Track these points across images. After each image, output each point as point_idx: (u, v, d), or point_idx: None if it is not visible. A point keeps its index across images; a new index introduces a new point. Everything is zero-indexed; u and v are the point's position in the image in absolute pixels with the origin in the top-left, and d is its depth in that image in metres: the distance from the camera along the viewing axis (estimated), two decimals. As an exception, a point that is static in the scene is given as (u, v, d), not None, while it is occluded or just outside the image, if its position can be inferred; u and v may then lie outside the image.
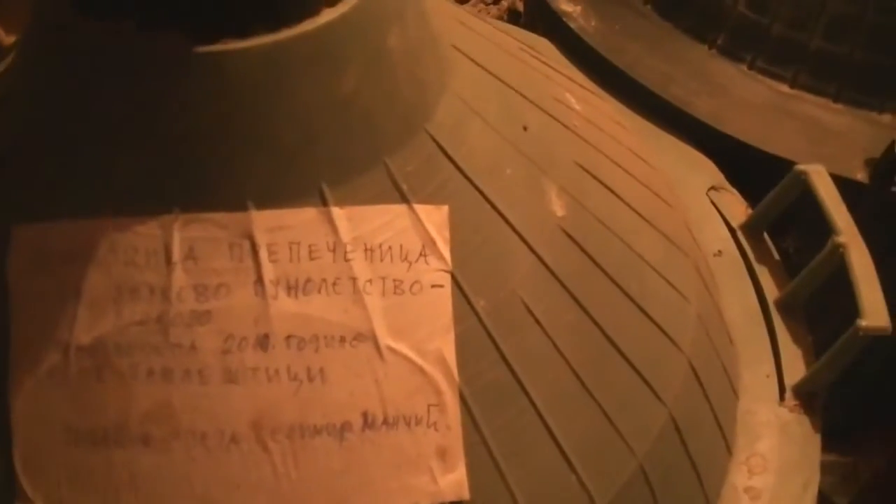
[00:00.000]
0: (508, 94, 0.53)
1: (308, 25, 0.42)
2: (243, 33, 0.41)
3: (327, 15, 0.43)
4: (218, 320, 0.42)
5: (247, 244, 0.42)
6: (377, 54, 0.45)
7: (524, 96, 0.54)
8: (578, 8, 0.89)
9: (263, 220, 0.42)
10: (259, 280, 0.42)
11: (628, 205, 0.55)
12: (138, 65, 0.42)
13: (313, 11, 0.43)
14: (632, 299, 0.51)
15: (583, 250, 0.50)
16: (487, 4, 1.27)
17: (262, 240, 0.42)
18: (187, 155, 0.42)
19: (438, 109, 0.47)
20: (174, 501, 0.41)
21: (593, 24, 0.88)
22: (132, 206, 0.42)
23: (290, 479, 0.41)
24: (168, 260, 0.42)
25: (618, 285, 0.51)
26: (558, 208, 0.50)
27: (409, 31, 0.47)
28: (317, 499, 0.42)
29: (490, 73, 0.53)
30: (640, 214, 0.56)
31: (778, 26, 0.84)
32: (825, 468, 0.60)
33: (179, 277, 0.42)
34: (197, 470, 0.41)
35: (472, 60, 0.52)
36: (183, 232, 0.42)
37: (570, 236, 0.50)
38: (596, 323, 0.49)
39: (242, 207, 0.42)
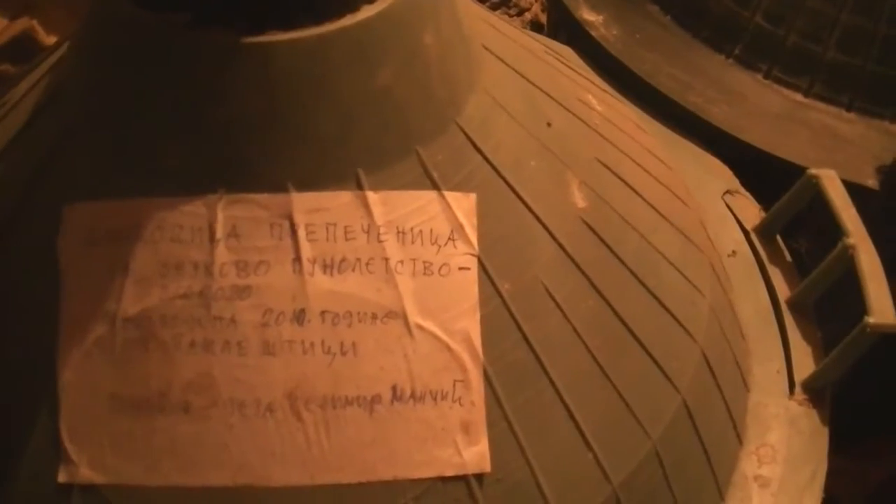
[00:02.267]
0: (534, 93, 0.55)
1: (349, 20, 0.44)
2: (287, 26, 0.43)
3: (366, 11, 0.44)
4: (258, 295, 0.43)
5: (286, 224, 0.44)
6: (413, 50, 0.46)
7: (549, 95, 0.56)
8: (601, 18, 0.91)
9: (303, 202, 0.44)
10: (297, 258, 0.44)
11: (646, 201, 0.57)
12: (190, 55, 0.44)
13: (353, 7, 0.44)
14: (648, 289, 0.53)
15: (602, 241, 0.51)
16: (511, 16, 1.29)
17: (300, 220, 0.44)
18: (232, 141, 0.44)
19: (468, 104, 0.49)
20: (212, 467, 0.42)
21: (615, 33, 0.89)
22: (179, 187, 0.44)
23: (322, 448, 0.43)
24: (212, 237, 0.43)
25: (635, 275, 0.52)
26: (579, 200, 0.52)
27: (443, 29, 0.48)
28: (346, 467, 0.43)
29: (517, 72, 0.55)
30: (657, 210, 0.57)
31: (793, 38, 0.86)
32: (836, 473, 0.61)
33: (222, 254, 0.43)
34: (234, 437, 0.42)
35: (501, 59, 0.54)
36: (226, 211, 0.44)
37: (590, 227, 0.51)
38: (613, 310, 0.50)
39: (283, 189, 0.44)
